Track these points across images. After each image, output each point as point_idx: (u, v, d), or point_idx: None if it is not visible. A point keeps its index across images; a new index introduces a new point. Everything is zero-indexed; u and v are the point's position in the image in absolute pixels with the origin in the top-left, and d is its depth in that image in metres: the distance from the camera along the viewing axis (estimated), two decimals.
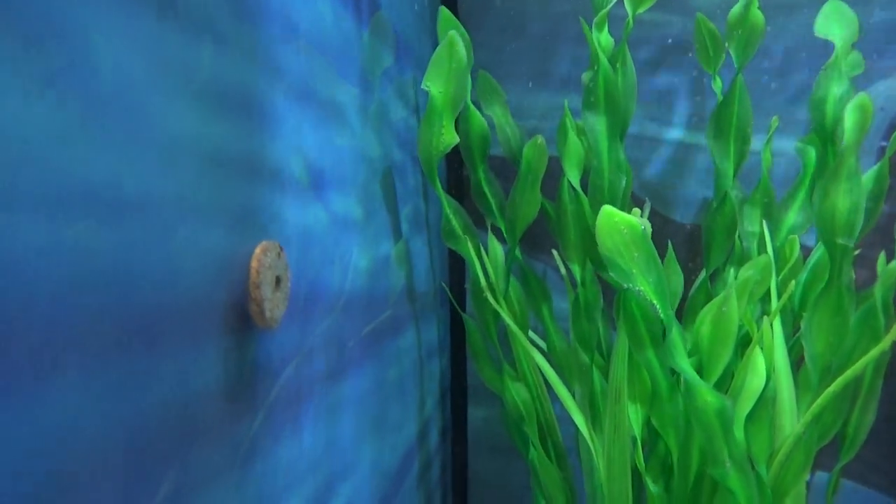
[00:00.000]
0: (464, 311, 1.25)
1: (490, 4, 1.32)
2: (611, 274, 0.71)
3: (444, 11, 0.96)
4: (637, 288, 0.71)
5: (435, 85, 0.84)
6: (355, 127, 0.72)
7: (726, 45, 0.95)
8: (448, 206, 0.99)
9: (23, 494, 0.26)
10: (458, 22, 0.95)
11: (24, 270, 0.26)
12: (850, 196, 0.74)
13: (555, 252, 1.18)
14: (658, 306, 0.72)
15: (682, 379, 0.88)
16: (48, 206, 0.27)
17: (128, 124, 0.32)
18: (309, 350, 0.55)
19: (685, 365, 0.75)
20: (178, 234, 0.37)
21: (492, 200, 1.07)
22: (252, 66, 0.45)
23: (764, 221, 1.00)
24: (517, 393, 1.08)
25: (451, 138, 0.88)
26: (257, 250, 0.43)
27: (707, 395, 0.73)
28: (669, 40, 1.22)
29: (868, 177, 0.88)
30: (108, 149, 0.30)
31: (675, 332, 0.73)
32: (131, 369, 0.33)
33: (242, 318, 0.43)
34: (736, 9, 0.90)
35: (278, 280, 0.45)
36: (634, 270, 0.69)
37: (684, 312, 1.03)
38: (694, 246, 1.24)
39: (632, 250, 0.68)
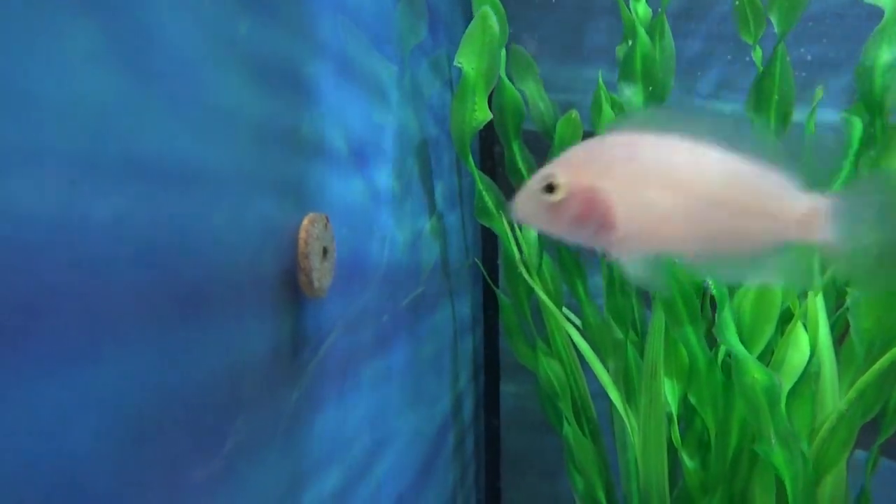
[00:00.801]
0: (497, 286, 1.25)
1: None
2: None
3: None
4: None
5: (468, 61, 0.83)
6: (393, 103, 0.72)
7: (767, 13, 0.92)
8: (481, 182, 0.98)
9: (97, 452, 0.26)
10: None
11: (87, 237, 0.26)
12: None
13: None
14: (710, 283, 0.71)
15: (724, 355, 0.87)
16: (110, 175, 0.27)
17: (182, 95, 0.32)
18: (352, 321, 0.56)
19: (735, 342, 0.74)
20: (229, 205, 0.37)
21: (526, 175, 1.06)
22: (296, 40, 0.45)
23: None
24: (551, 369, 1.08)
25: (483, 115, 0.87)
26: (305, 221, 0.43)
27: (756, 372, 0.72)
28: (710, 12, 1.19)
29: None
30: (164, 118, 0.30)
31: (726, 310, 0.72)
32: (188, 335, 0.33)
33: (292, 288, 0.44)
34: None
35: (325, 251, 0.45)
36: None
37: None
38: None
39: None
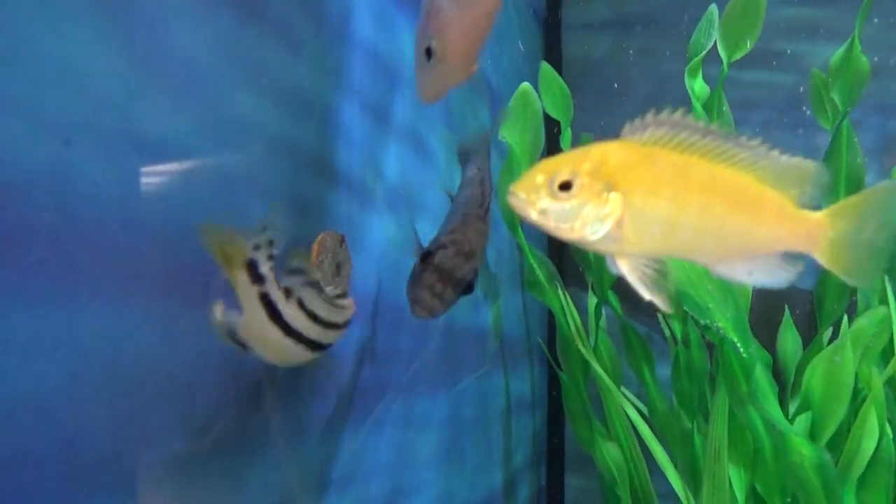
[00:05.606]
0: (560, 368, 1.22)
1: (595, 70, 1.35)
2: (685, 308, 0.68)
3: (545, 66, 0.98)
4: (715, 324, 0.67)
5: (511, 135, 0.85)
6: (440, 163, 0.76)
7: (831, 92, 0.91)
8: (532, 256, 0.98)
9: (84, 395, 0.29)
10: (558, 76, 0.98)
11: (76, 192, 0.30)
12: None
13: (659, 315, 1.13)
14: (738, 343, 0.67)
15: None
16: (107, 145, 0.31)
17: (192, 97, 0.37)
18: (373, 352, 0.57)
19: (773, 409, 0.68)
20: (246, 209, 0.42)
21: (591, 254, 1.06)
22: (324, 75, 0.51)
23: (886, 277, 0.91)
24: (608, 453, 1.02)
25: None
26: (319, 236, 0.47)
27: (802, 448, 0.66)
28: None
29: None
30: (162, 107, 0.35)
31: (758, 372, 0.68)
32: (181, 314, 0.36)
33: None
34: (839, 53, 0.87)
35: (339, 266, 0.48)
36: (710, 305, 0.66)
37: (797, 372, 0.95)
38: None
39: (705, 282, 0.65)
